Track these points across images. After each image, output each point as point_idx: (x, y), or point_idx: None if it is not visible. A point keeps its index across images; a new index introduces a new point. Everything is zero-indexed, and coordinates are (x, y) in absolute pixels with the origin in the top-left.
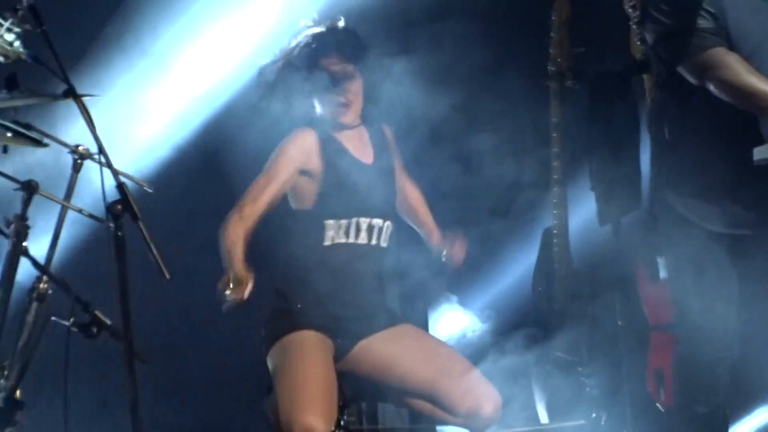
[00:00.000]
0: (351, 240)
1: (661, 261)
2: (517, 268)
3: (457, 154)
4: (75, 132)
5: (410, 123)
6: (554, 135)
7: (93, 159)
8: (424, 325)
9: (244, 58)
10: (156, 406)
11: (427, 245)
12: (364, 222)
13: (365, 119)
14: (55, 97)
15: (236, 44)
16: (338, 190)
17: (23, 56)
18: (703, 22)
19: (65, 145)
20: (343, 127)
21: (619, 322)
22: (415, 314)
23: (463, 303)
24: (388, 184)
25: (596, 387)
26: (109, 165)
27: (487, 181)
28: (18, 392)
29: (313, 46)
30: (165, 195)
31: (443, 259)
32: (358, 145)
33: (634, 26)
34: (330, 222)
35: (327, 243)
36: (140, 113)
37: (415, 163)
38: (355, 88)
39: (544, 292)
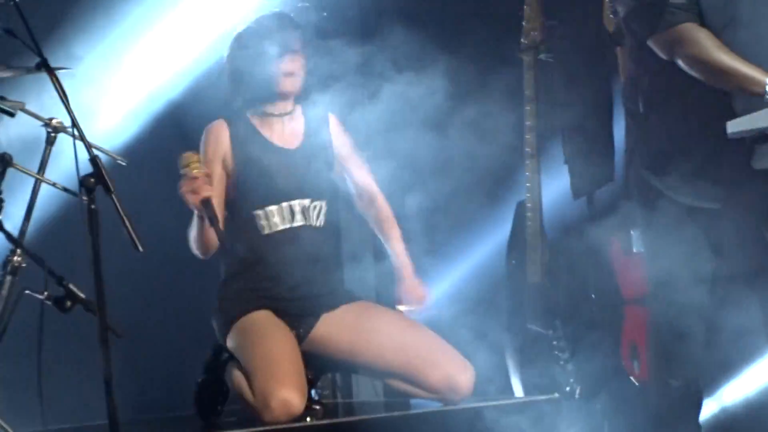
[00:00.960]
0: (288, 225)
1: (634, 234)
2: (491, 241)
3: (431, 127)
4: (48, 105)
5: (385, 100)
6: (527, 108)
7: (66, 132)
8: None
9: (220, 28)
10: (129, 381)
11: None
12: (297, 204)
13: (304, 110)
14: (28, 70)
15: (212, 14)
16: (256, 177)
17: None
18: None
19: (39, 118)
20: (272, 111)
21: (593, 296)
22: (390, 294)
23: (436, 279)
24: (316, 167)
25: (570, 360)
26: (82, 138)
27: (460, 155)
28: None
29: (262, 23)
30: (138, 168)
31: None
32: (282, 132)
33: None
34: (259, 212)
35: (266, 232)
36: (114, 86)
37: (390, 137)
38: (298, 59)
39: (517, 266)
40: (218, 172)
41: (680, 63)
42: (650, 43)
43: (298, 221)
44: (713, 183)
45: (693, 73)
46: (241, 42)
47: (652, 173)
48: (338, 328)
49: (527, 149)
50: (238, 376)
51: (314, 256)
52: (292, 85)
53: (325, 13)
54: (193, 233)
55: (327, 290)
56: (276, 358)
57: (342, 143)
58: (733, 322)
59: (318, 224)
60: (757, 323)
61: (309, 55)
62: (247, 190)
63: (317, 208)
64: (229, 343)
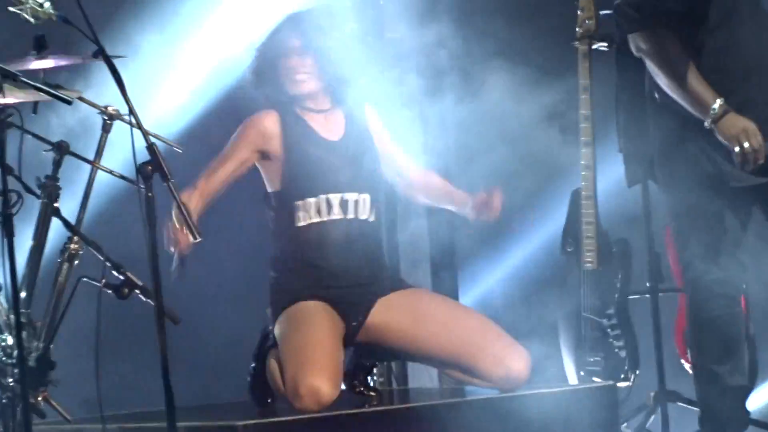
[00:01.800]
0: (324, 218)
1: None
2: (547, 229)
3: (488, 117)
4: (105, 93)
5: (442, 89)
6: (582, 97)
7: (123, 120)
8: (454, 292)
9: (273, 17)
10: (185, 367)
11: (460, 213)
12: (334, 198)
13: (339, 101)
14: (85, 58)
15: (264, 6)
16: (303, 168)
17: (53, 18)
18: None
19: (95, 106)
20: (311, 106)
21: (648, 284)
22: (444, 282)
23: (493, 266)
24: (361, 159)
25: (624, 348)
26: (139, 126)
27: (517, 143)
28: (50, 352)
29: (276, 30)
30: (195, 155)
31: (478, 217)
32: (325, 124)
33: None
34: (299, 203)
35: (300, 224)
36: (170, 74)
37: (445, 129)
38: (306, 59)
39: (573, 253)
40: (241, 157)
41: (647, 65)
42: (629, 38)
43: (336, 214)
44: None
45: (653, 74)
46: (257, 45)
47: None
48: (393, 315)
49: (582, 138)
50: (273, 365)
51: (358, 249)
52: (304, 85)
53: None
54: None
55: (374, 279)
56: (309, 346)
57: (381, 132)
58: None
59: (362, 217)
60: None
61: (323, 53)
62: (294, 180)
63: (362, 200)
64: (276, 331)
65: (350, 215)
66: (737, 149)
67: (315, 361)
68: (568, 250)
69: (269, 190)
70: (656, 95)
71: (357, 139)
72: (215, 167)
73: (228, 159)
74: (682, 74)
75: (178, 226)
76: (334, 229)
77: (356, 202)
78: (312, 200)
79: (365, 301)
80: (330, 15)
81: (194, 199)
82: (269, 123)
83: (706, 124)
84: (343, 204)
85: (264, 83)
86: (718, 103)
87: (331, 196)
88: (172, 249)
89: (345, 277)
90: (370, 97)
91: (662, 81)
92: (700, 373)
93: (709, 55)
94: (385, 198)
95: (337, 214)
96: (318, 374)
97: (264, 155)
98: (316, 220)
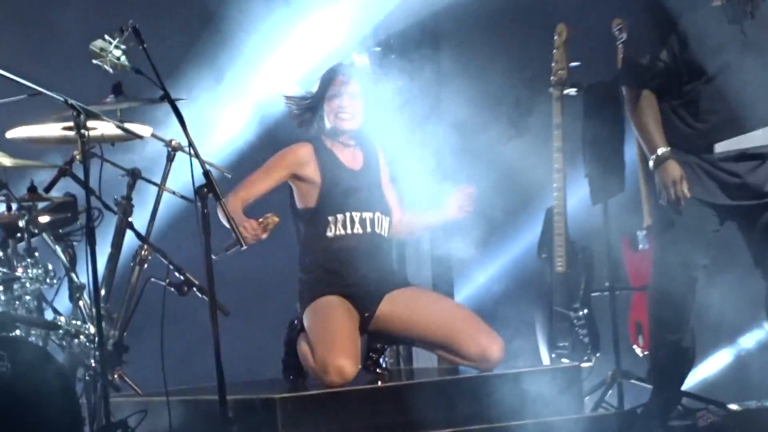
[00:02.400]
0: (348, 231)
1: (640, 234)
2: (526, 239)
3: (478, 150)
4: (169, 129)
5: (439, 126)
6: (555, 132)
7: (184, 151)
8: (450, 287)
9: (303, 71)
10: (232, 349)
11: (444, 221)
12: (356, 215)
13: (361, 143)
14: (153, 101)
15: (301, 53)
16: (334, 190)
17: (127, 68)
18: (658, 60)
19: (161, 139)
20: (342, 141)
21: (606, 284)
22: (443, 279)
23: (483, 269)
24: (377, 185)
25: (587, 335)
26: (197, 155)
27: (502, 170)
28: (124, 338)
29: (334, 71)
30: (241, 179)
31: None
32: (350, 157)
33: (620, 45)
34: (330, 218)
35: (329, 234)
36: (222, 113)
37: (447, 161)
38: (356, 102)
39: (546, 259)
40: (277, 178)
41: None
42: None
43: (357, 230)
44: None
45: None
46: (315, 83)
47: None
48: (396, 308)
49: (555, 165)
50: (303, 347)
51: (370, 257)
52: (346, 123)
53: (393, 56)
54: (223, 216)
55: (383, 280)
56: (334, 333)
57: (385, 170)
58: (721, 298)
59: (378, 231)
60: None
61: (367, 96)
62: (327, 199)
63: (377, 218)
64: (304, 320)
65: (368, 230)
66: (666, 192)
67: (340, 345)
68: (543, 256)
69: (300, 206)
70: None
71: (373, 170)
72: (254, 180)
73: (266, 177)
74: (644, 123)
75: (254, 227)
76: (355, 241)
77: (372, 220)
78: (340, 216)
79: (375, 297)
80: (376, 71)
81: (236, 204)
82: (304, 152)
83: (650, 164)
84: (363, 221)
85: (311, 115)
86: (661, 151)
87: (354, 213)
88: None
89: (361, 278)
90: (383, 140)
91: (635, 127)
92: (656, 340)
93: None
94: None
95: (358, 228)
96: (343, 355)
97: (298, 178)
98: (341, 232)
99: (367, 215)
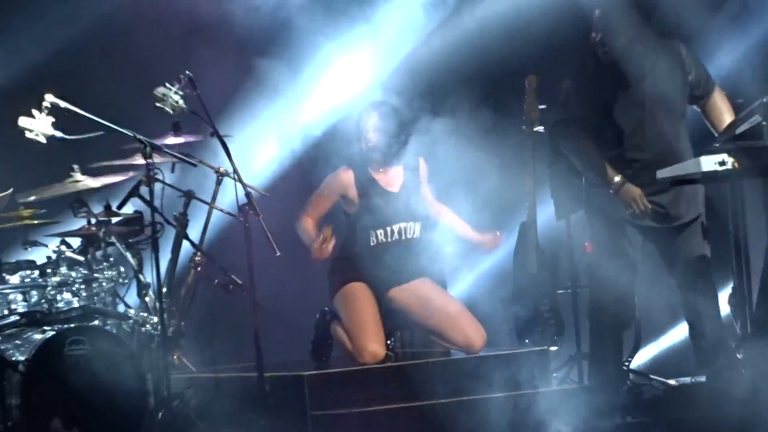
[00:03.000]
0: (387, 239)
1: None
2: (506, 247)
3: (468, 174)
4: (217, 158)
5: (440, 162)
6: (528, 162)
7: (229, 176)
8: (444, 280)
9: (333, 108)
10: (268, 336)
11: (469, 245)
12: (395, 227)
13: (400, 160)
14: (205, 137)
15: (322, 103)
16: (369, 209)
17: (185, 111)
18: (587, 116)
19: (211, 167)
20: (377, 165)
21: (569, 283)
22: (437, 272)
23: (469, 271)
24: (414, 199)
25: (554, 324)
26: (240, 180)
27: (486, 192)
28: (182, 327)
29: (361, 113)
30: (276, 198)
31: (480, 250)
32: (387, 179)
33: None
34: (372, 231)
35: (372, 243)
36: (261, 145)
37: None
38: (377, 137)
39: (521, 264)
40: (331, 200)
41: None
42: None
43: (395, 238)
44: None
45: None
46: (354, 119)
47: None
48: (404, 294)
49: (527, 188)
50: (340, 331)
51: (401, 257)
52: (378, 156)
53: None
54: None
55: (405, 270)
56: (366, 322)
57: (426, 183)
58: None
59: (410, 236)
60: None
61: (393, 131)
62: (365, 217)
63: (411, 226)
64: (335, 303)
65: (402, 238)
66: (632, 209)
67: (371, 332)
68: (518, 261)
69: (349, 212)
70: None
71: (411, 185)
72: (315, 204)
73: (323, 200)
74: (595, 164)
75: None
76: (392, 245)
77: (406, 229)
78: (381, 230)
79: (390, 283)
80: (396, 108)
81: (310, 222)
82: (347, 179)
83: (611, 191)
84: (399, 231)
85: (351, 143)
86: (617, 179)
87: (392, 226)
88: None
89: (386, 273)
90: (421, 153)
91: (582, 168)
92: (596, 346)
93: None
94: None
95: (395, 237)
96: (375, 341)
97: (344, 197)
98: (382, 241)
99: (401, 226)
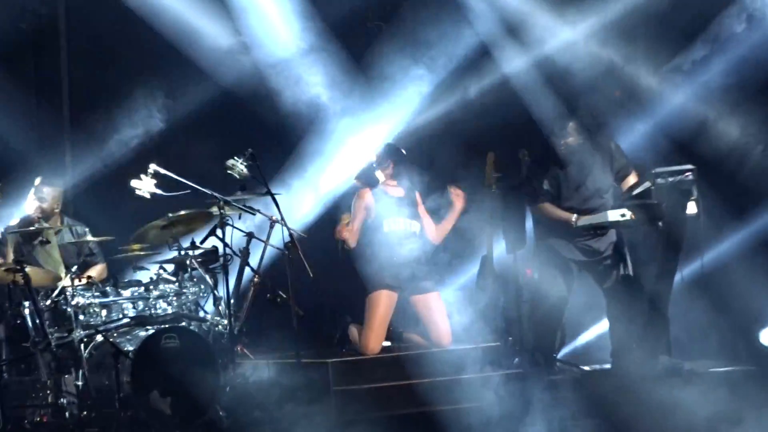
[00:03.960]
0: (397, 228)
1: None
2: (470, 274)
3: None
4: (270, 209)
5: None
6: (487, 211)
7: (279, 222)
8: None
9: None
10: (305, 333)
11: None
12: (401, 220)
13: (405, 186)
14: (261, 194)
15: (347, 163)
16: (383, 206)
17: (248, 176)
18: (546, 185)
19: (266, 215)
20: (387, 183)
21: (515, 296)
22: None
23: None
24: (411, 205)
25: (505, 326)
26: (286, 225)
27: (456, 233)
28: (244, 327)
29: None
30: (312, 238)
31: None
32: (395, 191)
33: (524, 167)
34: (384, 221)
35: (386, 229)
36: (302, 198)
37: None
38: (387, 170)
39: (480, 285)
40: (362, 214)
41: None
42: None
43: (400, 226)
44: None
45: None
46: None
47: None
48: (420, 302)
49: (487, 229)
50: (353, 331)
51: (408, 241)
52: (390, 182)
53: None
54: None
55: (419, 279)
56: (376, 326)
57: (419, 203)
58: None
59: (412, 230)
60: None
61: (396, 166)
62: (380, 212)
63: (412, 223)
64: (366, 299)
65: (407, 228)
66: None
67: (376, 335)
68: (479, 284)
69: (368, 219)
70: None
71: (410, 198)
72: (354, 222)
73: (358, 214)
74: (551, 214)
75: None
76: (400, 232)
77: (410, 224)
78: (391, 219)
79: (409, 290)
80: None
81: (353, 237)
82: (366, 195)
83: (573, 225)
84: (404, 224)
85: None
86: (574, 218)
87: (399, 219)
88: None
89: (403, 265)
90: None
91: (541, 216)
92: (535, 342)
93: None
94: None
95: (401, 228)
96: (376, 343)
97: (368, 209)
98: (392, 229)
99: (406, 220)
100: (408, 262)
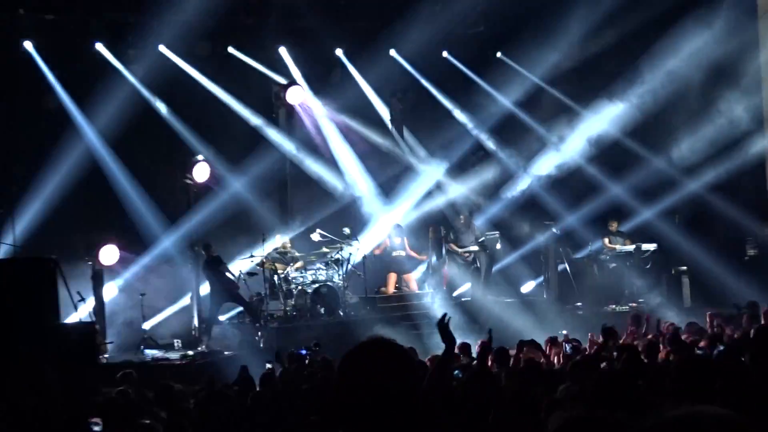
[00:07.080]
0: (395, 253)
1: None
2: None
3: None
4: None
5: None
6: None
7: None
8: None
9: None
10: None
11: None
12: (395, 252)
13: (401, 236)
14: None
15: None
16: (389, 245)
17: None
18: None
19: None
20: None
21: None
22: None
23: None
24: (401, 247)
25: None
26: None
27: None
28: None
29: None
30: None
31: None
32: (395, 242)
33: None
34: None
35: (391, 254)
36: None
37: None
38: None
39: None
40: (384, 245)
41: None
42: None
43: (397, 253)
44: None
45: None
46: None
47: None
48: (407, 277)
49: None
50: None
51: (402, 263)
52: (396, 239)
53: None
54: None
55: (408, 268)
56: (388, 284)
57: (406, 244)
58: None
59: (401, 255)
60: None
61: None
62: (387, 249)
63: (400, 252)
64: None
65: (399, 254)
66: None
67: (389, 284)
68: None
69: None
70: None
71: (401, 242)
72: (379, 247)
73: (380, 246)
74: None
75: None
76: (396, 257)
77: (399, 252)
78: (394, 251)
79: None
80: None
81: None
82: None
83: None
84: (397, 253)
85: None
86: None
87: (395, 252)
88: None
89: (403, 269)
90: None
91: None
92: None
93: None
94: None
95: (397, 253)
96: (390, 288)
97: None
98: (390, 252)
99: (398, 251)
100: (404, 267)
